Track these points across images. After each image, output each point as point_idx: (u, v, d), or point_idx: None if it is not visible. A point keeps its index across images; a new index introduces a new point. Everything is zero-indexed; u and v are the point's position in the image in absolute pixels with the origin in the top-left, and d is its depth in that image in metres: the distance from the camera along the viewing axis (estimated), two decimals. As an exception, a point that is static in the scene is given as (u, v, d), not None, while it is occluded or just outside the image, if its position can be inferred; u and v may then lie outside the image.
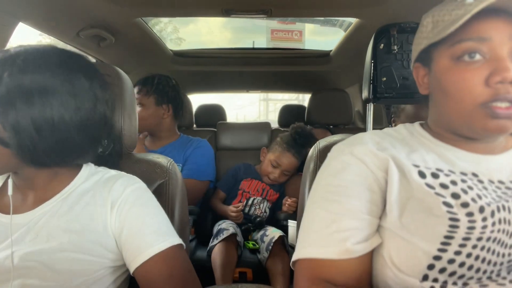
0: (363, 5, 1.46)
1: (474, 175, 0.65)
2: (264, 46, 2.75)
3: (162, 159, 1.01)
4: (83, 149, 0.78)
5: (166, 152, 1.82)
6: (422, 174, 0.64)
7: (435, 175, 0.64)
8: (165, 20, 2.98)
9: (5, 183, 0.82)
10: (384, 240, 0.65)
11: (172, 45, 2.48)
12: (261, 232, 1.74)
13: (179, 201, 1.00)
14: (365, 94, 1.23)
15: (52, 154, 0.74)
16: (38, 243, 0.73)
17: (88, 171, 0.84)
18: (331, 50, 2.45)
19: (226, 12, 1.55)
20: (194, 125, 2.76)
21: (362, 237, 0.65)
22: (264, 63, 2.60)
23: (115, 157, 0.92)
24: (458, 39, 0.63)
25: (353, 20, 1.78)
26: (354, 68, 2.40)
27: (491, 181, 0.64)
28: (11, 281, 0.71)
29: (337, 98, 2.31)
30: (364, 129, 1.19)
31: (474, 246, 0.58)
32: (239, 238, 1.70)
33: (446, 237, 0.59)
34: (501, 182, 0.64)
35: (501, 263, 0.60)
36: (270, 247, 1.59)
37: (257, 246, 1.71)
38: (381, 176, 0.67)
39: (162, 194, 0.95)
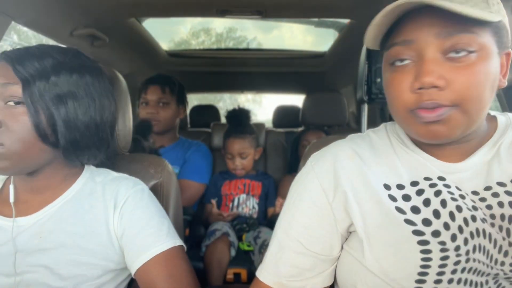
0: (357, 6, 1.47)
1: (446, 186, 0.61)
2: (259, 46, 2.75)
3: (156, 160, 1.01)
4: (101, 148, 0.83)
5: (168, 153, 1.84)
6: (392, 198, 0.61)
7: (406, 197, 0.61)
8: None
9: (6, 187, 0.81)
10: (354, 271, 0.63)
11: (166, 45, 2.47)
12: (255, 234, 1.74)
13: (173, 201, 1.00)
14: (359, 95, 1.24)
15: (87, 151, 0.79)
16: (42, 246, 0.73)
17: (90, 172, 0.85)
18: (325, 51, 2.46)
19: (220, 12, 1.55)
20: (189, 126, 2.75)
21: (301, 275, 0.65)
22: (259, 64, 2.60)
23: (113, 157, 0.93)
24: (389, 45, 0.60)
25: (347, 21, 1.79)
26: (348, 69, 2.41)
27: (466, 193, 0.60)
28: (15, 286, 0.70)
29: (331, 99, 2.32)
30: (358, 130, 1.19)
31: (450, 281, 0.56)
32: (232, 238, 1.70)
33: (422, 266, 0.56)
34: (475, 192, 0.60)
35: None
36: (263, 250, 1.59)
37: (252, 247, 1.71)
38: (340, 208, 0.64)
39: (156, 194, 0.95)
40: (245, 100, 8.10)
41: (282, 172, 2.24)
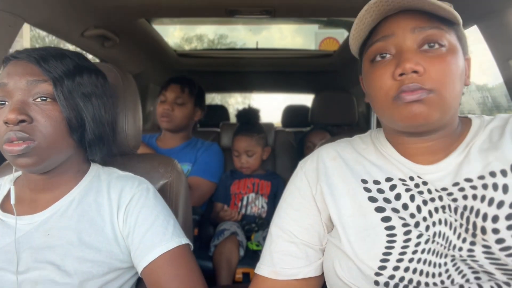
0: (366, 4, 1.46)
1: (417, 185, 0.67)
2: (268, 46, 2.75)
3: (165, 159, 1.02)
4: (114, 143, 0.88)
5: (180, 151, 1.87)
6: (367, 190, 0.69)
7: (380, 191, 0.68)
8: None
9: (16, 186, 0.83)
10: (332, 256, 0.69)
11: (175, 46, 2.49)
12: (264, 234, 1.74)
13: (182, 201, 1.00)
14: (368, 94, 1.23)
15: (106, 146, 0.84)
16: (49, 243, 0.74)
17: (96, 170, 0.86)
18: (334, 50, 2.45)
19: (229, 12, 1.55)
20: (198, 125, 2.76)
21: (293, 264, 0.71)
22: (268, 64, 2.60)
23: (122, 156, 0.96)
24: (370, 43, 0.67)
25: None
26: (357, 68, 2.39)
27: (436, 190, 0.65)
28: (21, 283, 0.71)
29: (340, 99, 2.30)
30: (367, 130, 1.18)
31: (411, 260, 0.61)
32: (240, 237, 1.70)
33: (384, 253, 0.62)
34: (444, 189, 0.65)
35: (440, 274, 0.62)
36: None
37: (260, 247, 1.71)
38: (320, 200, 0.72)
39: (165, 194, 0.95)
40: (235, 102, 8.16)
41: (290, 171, 2.22)
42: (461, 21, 0.64)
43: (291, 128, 2.56)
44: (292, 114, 2.85)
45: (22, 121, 0.70)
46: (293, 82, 3.04)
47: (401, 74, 0.61)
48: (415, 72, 0.60)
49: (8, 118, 0.69)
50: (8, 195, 0.82)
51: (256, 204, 1.91)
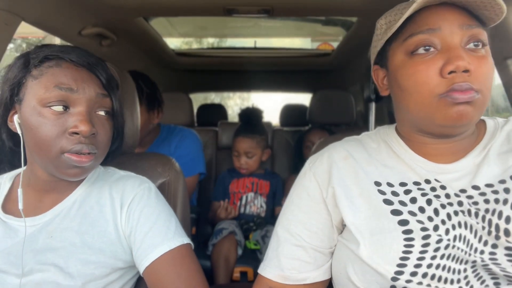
0: (365, 4, 1.46)
1: (433, 189, 0.65)
2: (266, 45, 2.75)
3: (163, 158, 1.02)
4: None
5: (156, 150, 1.72)
6: (382, 192, 0.66)
7: (395, 193, 0.65)
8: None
9: (15, 186, 0.82)
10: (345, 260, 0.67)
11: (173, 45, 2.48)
12: (263, 233, 1.74)
13: (181, 200, 1.00)
14: (366, 93, 1.23)
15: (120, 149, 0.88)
16: (53, 245, 0.73)
17: (97, 171, 0.85)
18: (332, 50, 2.45)
19: (227, 11, 1.55)
20: (196, 124, 2.76)
21: (302, 268, 0.69)
22: (266, 63, 2.60)
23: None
24: (409, 34, 0.63)
25: (355, 19, 1.78)
26: (355, 67, 2.39)
27: (455, 194, 0.63)
28: (24, 285, 0.70)
29: (338, 98, 2.30)
30: (366, 129, 1.19)
31: (429, 266, 0.59)
32: (239, 237, 1.70)
33: (402, 258, 0.60)
34: (462, 190, 0.63)
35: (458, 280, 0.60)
36: None
37: (258, 246, 1.71)
38: (332, 203, 0.69)
39: (163, 193, 0.95)
40: (234, 104, 8.14)
41: (288, 171, 2.24)
42: (496, 21, 0.63)
43: (289, 127, 2.56)
44: (290, 113, 2.85)
45: (92, 133, 0.71)
46: (291, 81, 3.04)
47: (450, 72, 0.58)
48: (466, 71, 0.58)
49: (82, 130, 0.69)
50: (8, 195, 0.81)
51: (255, 204, 1.91)
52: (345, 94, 2.33)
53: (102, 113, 0.75)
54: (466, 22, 0.60)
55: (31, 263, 0.71)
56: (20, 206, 0.75)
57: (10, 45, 1.17)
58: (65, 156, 0.70)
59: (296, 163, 2.17)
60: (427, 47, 0.61)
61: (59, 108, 0.70)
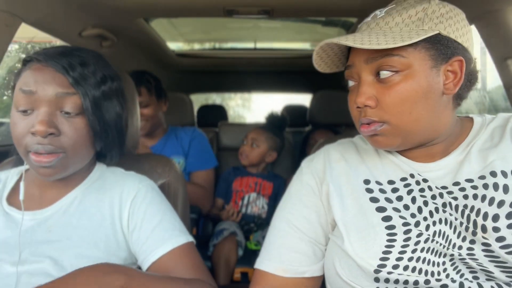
0: (365, 4, 1.46)
1: (418, 182, 0.68)
2: (266, 46, 2.75)
3: (163, 159, 1.02)
4: (123, 146, 0.89)
5: (164, 146, 1.82)
6: (369, 190, 0.69)
7: (382, 191, 0.68)
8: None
9: (21, 180, 0.83)
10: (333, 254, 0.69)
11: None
12: (264, 234, 1.74)
13: (180, 200, 1.00)
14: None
15: (119, 150, 0.86)
16: (50, 238, 0.75)
17: (101, 169, 0.87)
18: (332, 50, 2.44)
19: (227, 12, 1.55)
20: (196, 125, 2.76)
21: (302, 261, 0.71)
22: (266, 64, 2.59)
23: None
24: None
25: (355, 20, 1.78)
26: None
27: (436, 187, 0.66)
28: (18, 277, 0.71)
29: (339, 98, 2.29)
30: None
31: (410, 259, 0.61)
32: (239, 237, 1.70)
33: (384, 252, 0.62)
34: (444, 187, 0.66)
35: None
36: None
37: (259, 247, 1.71)
38: (325, 200, 0.73)
39: (163, 194, 0.95)
40: (235, 104, 8.15)
41: (289, 172, 2.23)
42: (435, 31, 0.61)
43: (289, 128, 2.56)
44: (291, 114, 2.85)
45: (51, 133, 0.70)
46: (292, 82, 3.04)
47: (357, 107, 0.65)
48: (367, 106, 0.63)
49: (37, 130, 0.69)
50: (15, 189, 0.83)
51: (257, 204, 1.91)
52: (346, 95, 2.32)
53: (67, 112, 0.73)
54: (372, 55, 0.63)
55: (28, 254, 0.73)
56: (21, 197, 0.78)
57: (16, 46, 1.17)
58: (29, 155, 0.72)
59: (300, 162, 2.17)
60: (351, 80, 0.69)
61: (25, 111, 0.72)
